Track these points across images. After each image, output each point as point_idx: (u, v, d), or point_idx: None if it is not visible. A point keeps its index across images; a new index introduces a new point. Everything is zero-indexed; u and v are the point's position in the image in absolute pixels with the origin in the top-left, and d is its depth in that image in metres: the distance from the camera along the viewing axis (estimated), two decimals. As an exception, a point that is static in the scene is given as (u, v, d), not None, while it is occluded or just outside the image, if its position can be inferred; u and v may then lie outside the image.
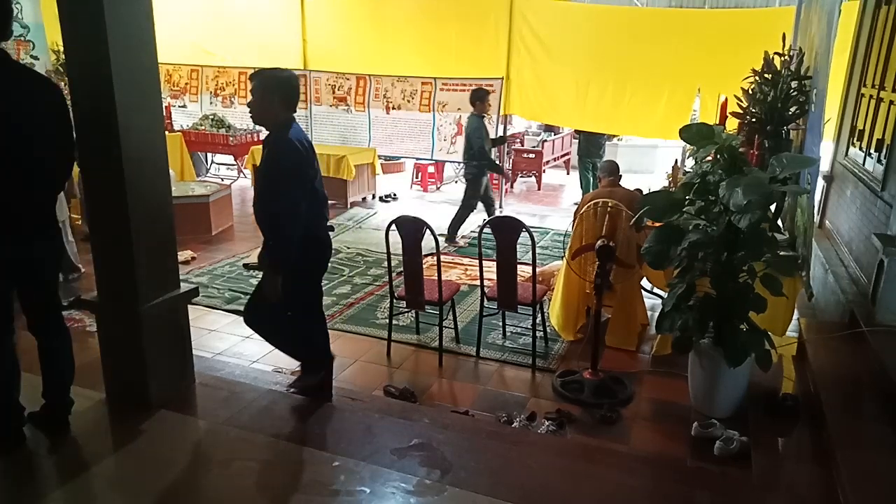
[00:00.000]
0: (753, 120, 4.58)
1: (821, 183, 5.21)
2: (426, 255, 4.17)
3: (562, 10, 8.22)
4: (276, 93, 2.98)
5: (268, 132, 3.06)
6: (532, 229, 3.95)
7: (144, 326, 3.03)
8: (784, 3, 8.58)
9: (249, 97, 3.06)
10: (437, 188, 10.03)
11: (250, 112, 3.10)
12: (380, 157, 9.06)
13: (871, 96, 4.33)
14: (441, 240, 6.27)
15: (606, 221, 4.07)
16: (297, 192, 2.93)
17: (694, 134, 3.35)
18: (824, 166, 5.17)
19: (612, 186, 4.46)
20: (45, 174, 2.65)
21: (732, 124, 4.88)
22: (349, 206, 8.38)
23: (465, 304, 5.04)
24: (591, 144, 8.72)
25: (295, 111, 3.06)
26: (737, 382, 3.38)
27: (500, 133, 8.33)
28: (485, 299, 4.20)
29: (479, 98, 6.65)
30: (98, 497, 2.60)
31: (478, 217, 7.98)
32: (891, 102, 3.86)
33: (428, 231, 3.92)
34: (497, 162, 7.00)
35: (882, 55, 4.16)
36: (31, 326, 2.87)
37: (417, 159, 9.44)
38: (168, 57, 9.19)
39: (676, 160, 5.62)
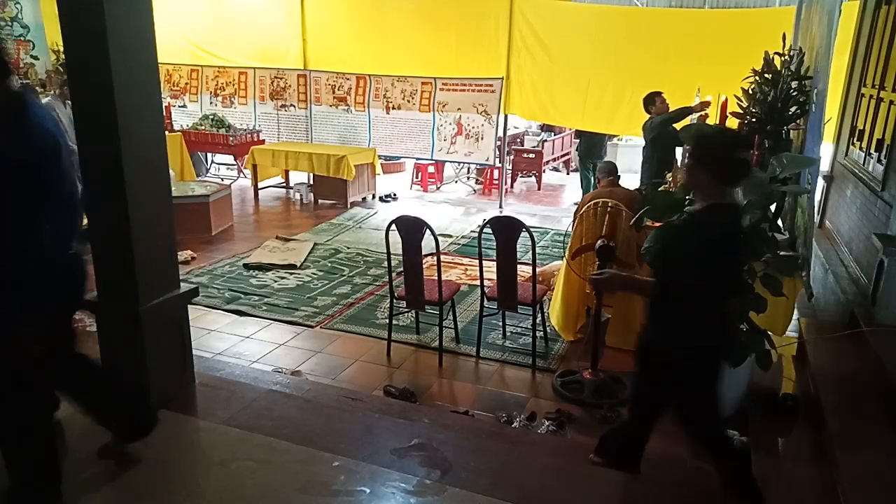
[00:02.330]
0: (753, 120, 4.57)
1: (821, 183, 5.21)
2: (426, 255, 4.17)
3: (562, 10, 8.23)
4: None
5: None
6: (532, 229, 3.95)
7: (144, 326, 3.02)
8: (784, 2, 8.58)
9: None
10: (437, 188, 10.03)
11: None
12: (380, 156, 9.07)
13: (871, 96, 4.34)
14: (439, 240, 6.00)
15: (606, 221, 4.07)
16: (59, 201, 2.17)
17: (694, 134, 3.35)
18: (824, 166, 5.18)
19: (611, 186, 4.46)
20: None
21: (732, 124, 4.88)
22: (349, 205, 8.38)
23: (465, 304, 5.04)
24: (591, 145, 8.71)
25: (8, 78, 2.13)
26: (737, 382, 3.37)
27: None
28: (485, 299, 4.20)
29: (650, 101, 6.15)
30: (98, 497, 2.59)
31: (478, 217, 7.99)
32: (891, 102, 3.86)
33: (428, 231, 3.92)
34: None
35: (882, 55, 4.17)
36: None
37: (417, 159, 9.44)
38: (168, 57, 9.21)
39: (676, 160, 5.61)
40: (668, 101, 6.10)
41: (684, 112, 5.75)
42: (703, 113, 5.62)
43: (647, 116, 6.22)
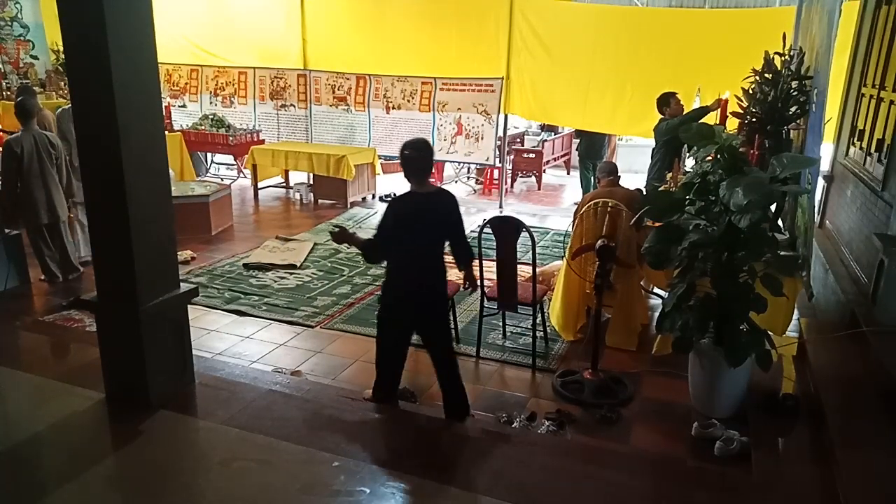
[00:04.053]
0: (754, 120, 4.58)
1: (821, 183, 5.20)
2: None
3: (562, 9, 8.22)
4: None
5: None
6: (532, 229, 3.94)
7: (144, 326, 3.02)
8: (784, 2, 8.58)
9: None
10: (437, 188, 10.03)
11: None
12: (380, 156, 9.06)
13: (871, 96, 4.33)
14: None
15: (606, 221, 4.07)
16: None
17: (694, 134, 3.35)
18: (825, 166, 5.17)
19: (611, 186, 4.46)
20: None
21: (733, 124, 4.88)
22: (349, 205, 8.37)
23: (465, 304, 5.03)
24: (591, 145, 8.71)
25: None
26: (737, 382, 3.38)
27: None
28: (485, 299, 4.20)
29: (664, 102, 5.95)
30: (98, 497, 2.59)
31: (478, 217, 7.99)
32: (891, 102, 3.86)
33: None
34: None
35: (882, 55, 4.16)
36: None
37: (417, 159, 9.43)
38: (168, 57, 9.20)
39: (676, 160, 5.60)
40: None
41: (702, 112, 5.55)
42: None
43: (652, 116, 6.17)
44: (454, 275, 5.73)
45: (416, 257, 3.15)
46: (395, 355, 3.31)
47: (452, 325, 4.45)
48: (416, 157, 3.07)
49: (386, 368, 3.31)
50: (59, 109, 5.62)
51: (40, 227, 5.11)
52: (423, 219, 3.13)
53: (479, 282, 3.79)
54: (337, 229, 3.26)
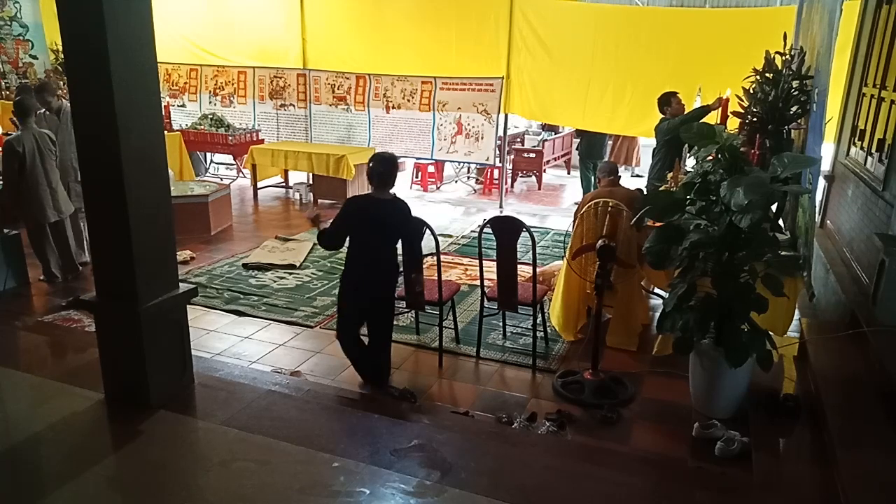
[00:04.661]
0: (755, 119, 4.57)
1: (822, 183, 5.20)
2: (426, 255, 4.15)
3: (562, 9, 8.21)
4: None
5: None
6: (532, 229, 3.94)
7: (143, 327, 3.02)
8: (785, 2, 8.56)
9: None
10: (437, 188, 10.02)
11: None
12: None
13: (872, 96, 4.33)
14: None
15: (607, 221, 4.06)
16: None
17: (695, 134, 3.34)
18: (825, 166, 5.17)
19: (611, 186, 4.45)
20: None
21: (734, 124, 4.88)
22: (349, 205, 8.36)
23: (465, 304, 5.03)
24: (592, 145, 8.70)
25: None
26: (737, 383, 3.37)
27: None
28: (485, 299, 4.19)
29: (665, 102, 5.95)
30: (98, 497, 2.59)
31: (478, 217, 7.99)
32: (892, 102, 3.85)
33: (428, 231, 3.91)
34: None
35: (883, 55, 4.16)
36: None
37: (417, 159, 9.43)
38: (167, 56, 9.19)
39: (677, 160, 5.60)
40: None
41: (703, 112, 5.53)
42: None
43: (652, 116, 6.17)
44: (454, 275, 5.75)
45: (367, 253, 3.56)
46: (352, 332, 3.75)
47: (453, 326, 4.46)
48: (382, 171, 3.51)
49: (348, 345, 3.78)
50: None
51: (43, 226, 5.10)
52: (377, 221, 3.53)
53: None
54: (316, 213, 3.78)
